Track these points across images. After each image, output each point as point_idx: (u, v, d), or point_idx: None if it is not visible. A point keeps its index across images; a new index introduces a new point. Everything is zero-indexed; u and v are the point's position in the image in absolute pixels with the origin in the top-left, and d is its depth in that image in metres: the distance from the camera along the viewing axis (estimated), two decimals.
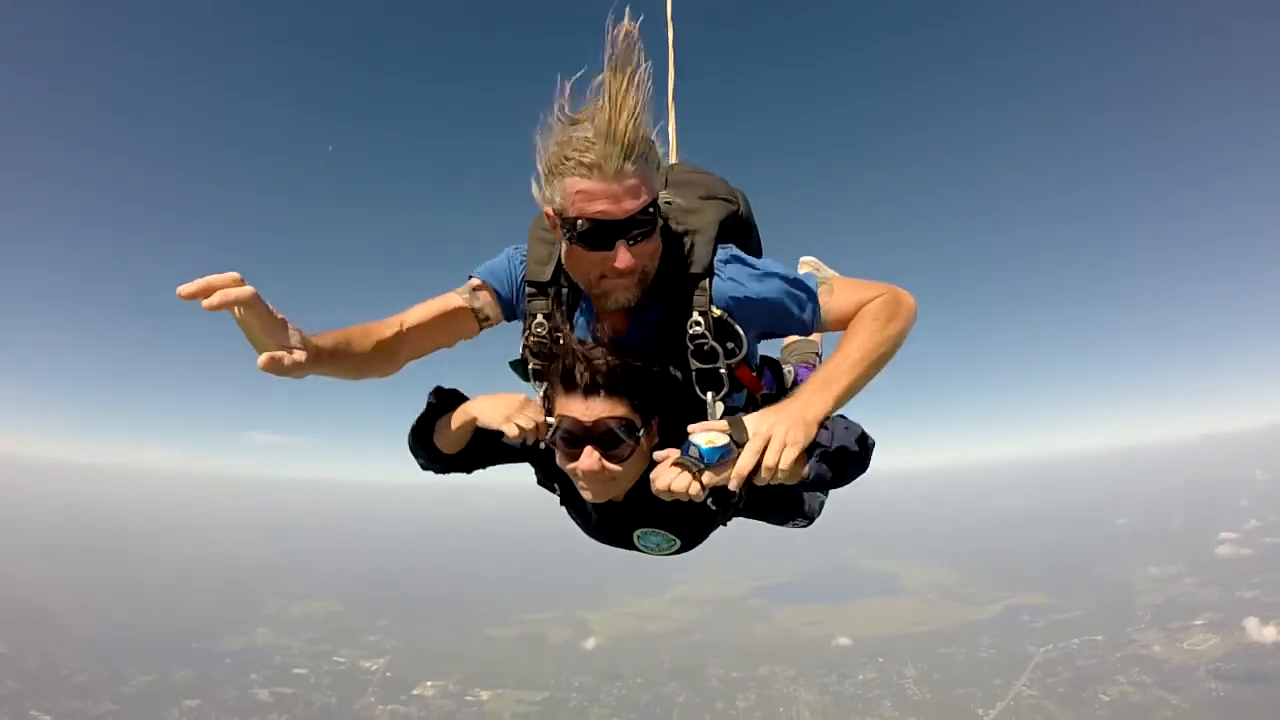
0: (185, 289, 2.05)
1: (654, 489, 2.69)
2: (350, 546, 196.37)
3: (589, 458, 2.77)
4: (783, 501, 3.75)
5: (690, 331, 2.97)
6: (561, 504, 3.63)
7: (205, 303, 2.07)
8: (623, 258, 2.71)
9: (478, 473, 3.52)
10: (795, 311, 3.07)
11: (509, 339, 3.33)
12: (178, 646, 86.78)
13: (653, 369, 2.95)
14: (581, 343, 2.86)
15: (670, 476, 2.63)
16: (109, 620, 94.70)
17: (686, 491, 2.60)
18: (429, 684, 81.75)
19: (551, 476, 3.49)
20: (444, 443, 3.25)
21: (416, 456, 3.39)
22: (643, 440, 2.89)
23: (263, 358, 2.22)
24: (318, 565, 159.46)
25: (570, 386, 2.78)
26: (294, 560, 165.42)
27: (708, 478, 2.61)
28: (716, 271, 3.03)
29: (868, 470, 3.17)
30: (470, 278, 3.27)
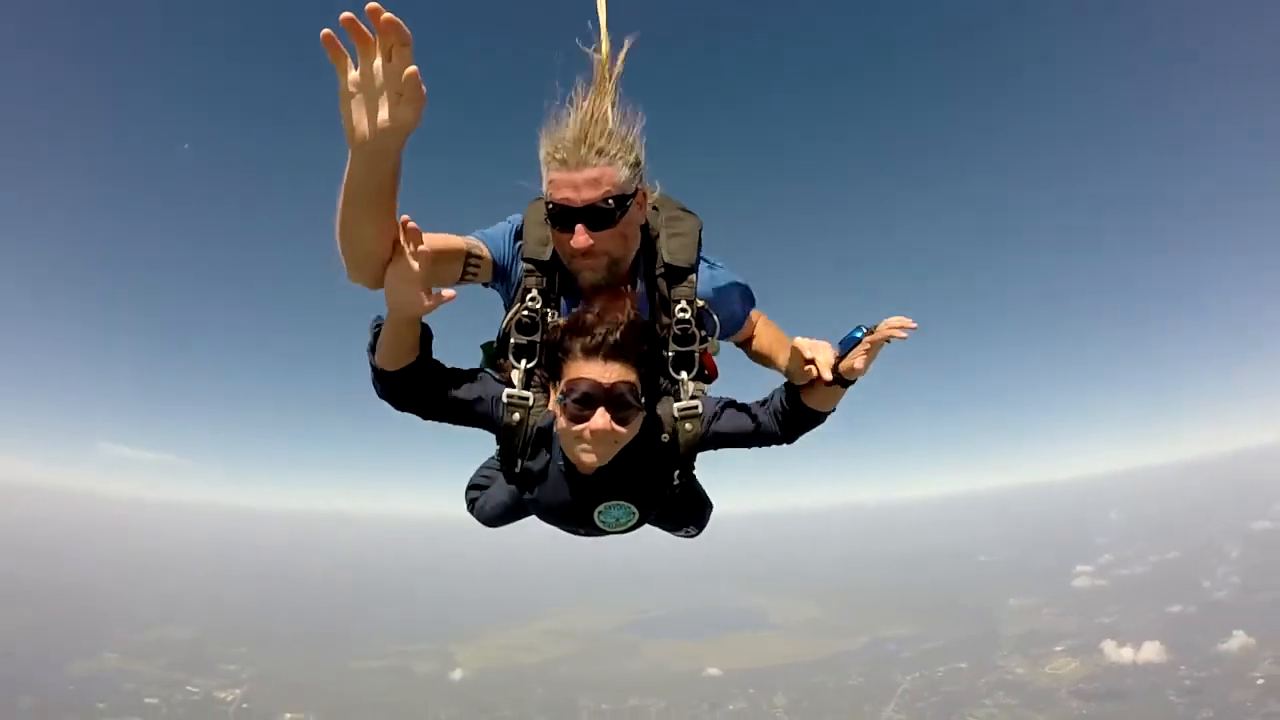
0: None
1: (804, 356, 3.17)
2: (208, 573, 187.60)
3: (602, 418, 2.93)
4: (698, 501, 4.13)
5: (677, 317, 3.45)
6: (512, 482, 3.65)
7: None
8: (579, 239, 3.13)
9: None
10: (740, 311, 3.82)
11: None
12: (17, 672, 79.97)
13: (659, 341, 3.35)
14: (602, 311, 3.07)
15: (820, 349, 3.15)
16: None
17: (822, 367, 3.12)
18: (288, 717, 77.66)
19: (514, 452, 3.47)
20: (389, 353, 3.12)
21: (374, 383, 3.26)
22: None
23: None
24: (173, 590, 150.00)
25: (592, 350, 2.95)
26: (147, 584, 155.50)
27: (844, 362, 3.15)
28: (699, 267, 3.59)
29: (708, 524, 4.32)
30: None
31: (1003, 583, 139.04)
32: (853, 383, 3.26)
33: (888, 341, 3.08)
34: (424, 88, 2.30)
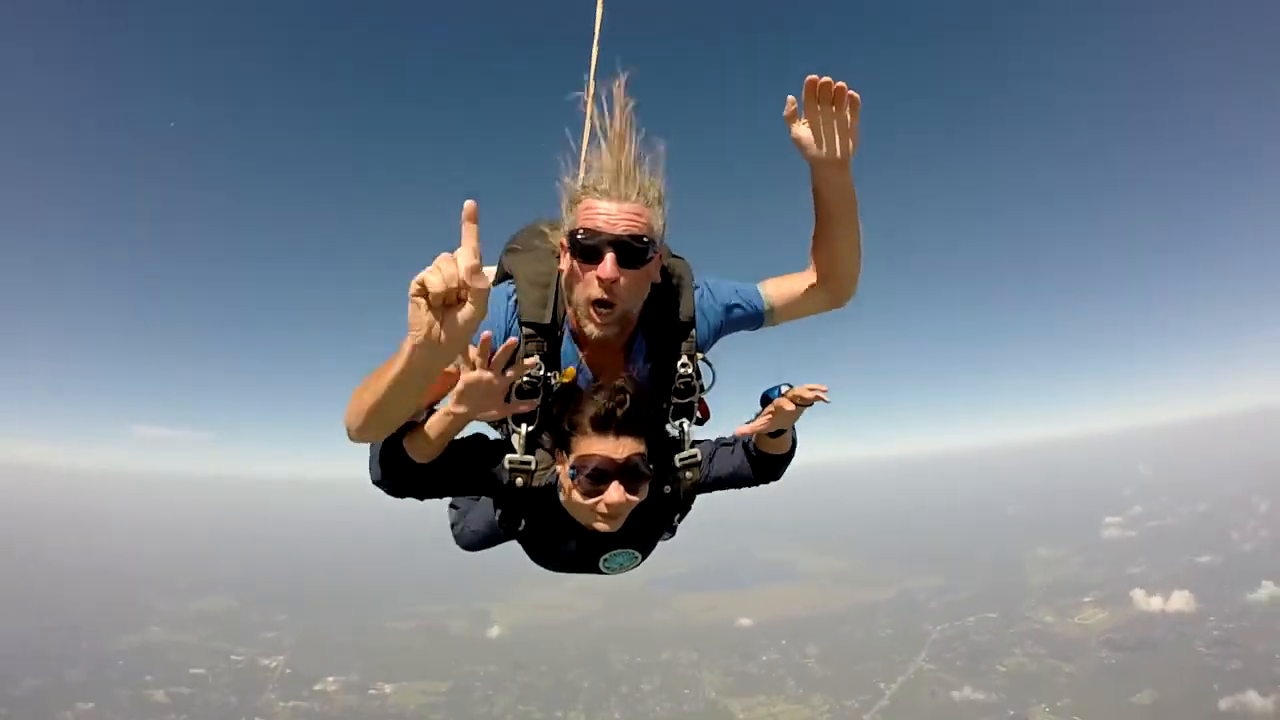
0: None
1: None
2: (244, 543, 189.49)
3: (616, 491, 2.91)
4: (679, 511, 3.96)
5: (679, 372, 3.41)
6: (512, 537, 3.71)
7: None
8: (607, 270, 2.98)
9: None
10: (745, 310, 3.62)
11: None
12: (68, 648, 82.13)
13: (661, 406, 3.43)
14: (610, 384, 3.00)
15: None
16: None
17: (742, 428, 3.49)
18: (330, 679, 79.13)
19: (516, 512, 3.46)
20: (419, 449, 3.04)
21: (383, 468, 3.12)
22: None
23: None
24: (211, 562, 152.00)
25: (602, 425, 2.91)
26: (187, 558, 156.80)
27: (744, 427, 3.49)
28: (696, 313, 3.49)
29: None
30: None
31: (1031, 534, 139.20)
32: (783, 432, 3.55)
33: (809, 404, 3.29)
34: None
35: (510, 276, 3.46)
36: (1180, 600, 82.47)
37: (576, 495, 2.98)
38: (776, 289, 3.61)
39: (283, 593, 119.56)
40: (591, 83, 3.85)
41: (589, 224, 3.04)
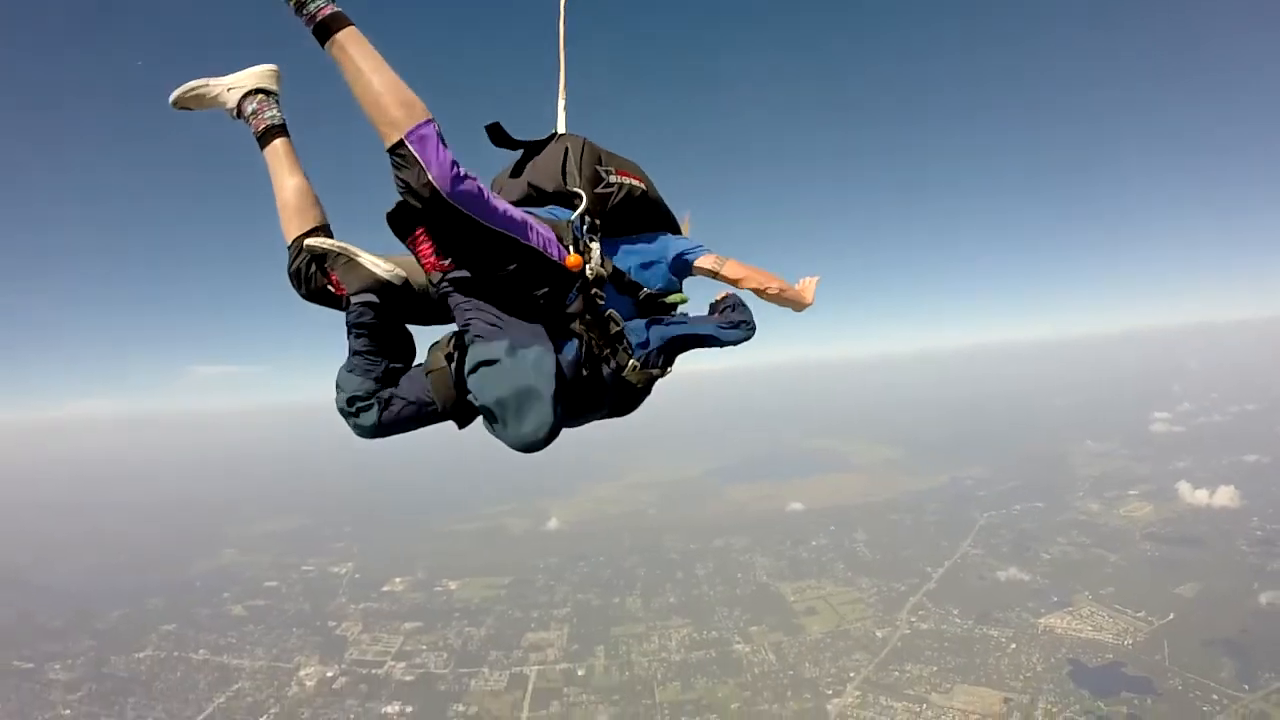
0: None
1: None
2: (307, 468, 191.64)
3: None
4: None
5: None
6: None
7: None
8: None
9: None
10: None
11: None
12: (147, 580, 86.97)
13: None
14: None
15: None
16: (74, 569, 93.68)
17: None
18: (397, 580, 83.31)
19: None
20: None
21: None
22: None
23: None
24: (277, 488, 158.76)
25: None
26: (254, 486, 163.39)
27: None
28: None
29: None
30: None
31: (1079, 427, 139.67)
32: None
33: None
34: None
35: None
36: (1225, 496, 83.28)
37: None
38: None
39: (346, 508, 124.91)
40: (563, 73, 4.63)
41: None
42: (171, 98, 3.93)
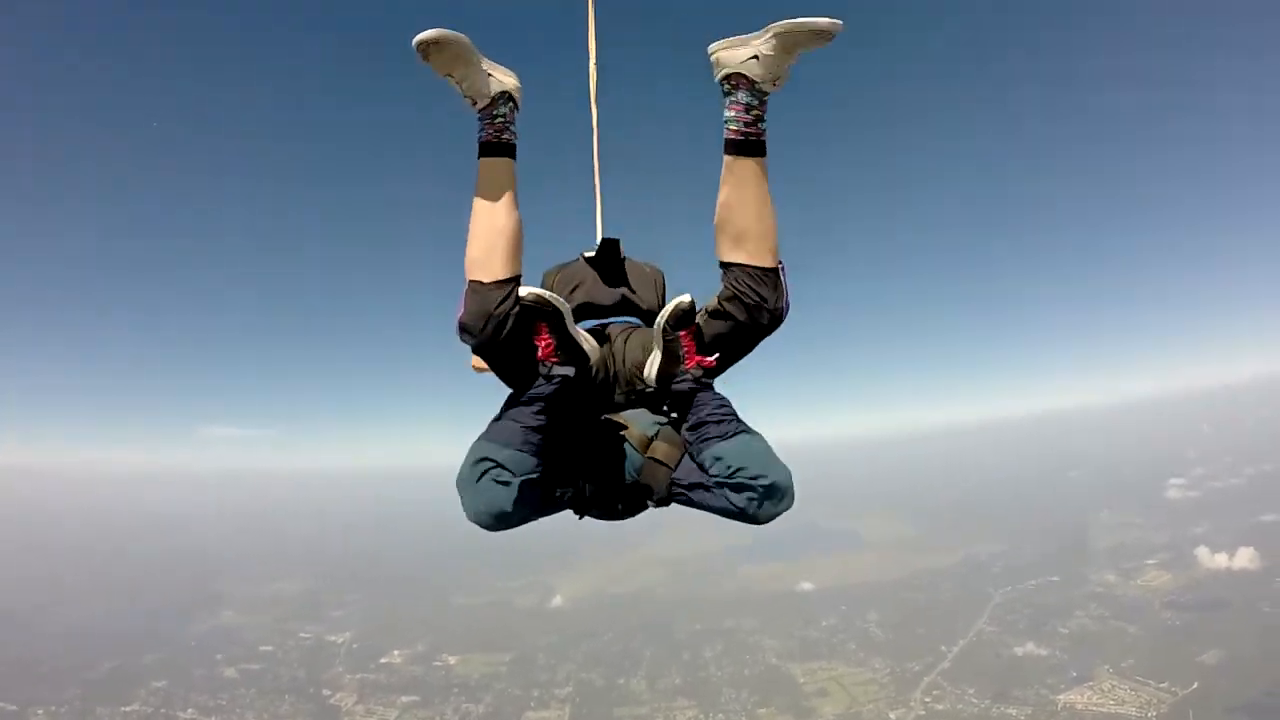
0: None
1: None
2: (313, 533, 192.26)
3: None
4: None
5: None
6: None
7: None
8: None
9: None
10: None
11: None
12: (145, 634, 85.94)
13: None
14: None
15: None
16: (76, 616, 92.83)
17: None
18: (396, 653, 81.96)
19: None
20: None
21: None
22: None
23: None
24: (282, 551, 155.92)
25: None
26: (258, 548, 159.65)
27: None
28: None
29: None
30: None
31: (1094, 497, 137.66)
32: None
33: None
34: None
35: None
36: (1245, 558, 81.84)
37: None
38: None
39: (351, 575, 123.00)
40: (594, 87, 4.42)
41: None
42: (430, 34, 3.19)
